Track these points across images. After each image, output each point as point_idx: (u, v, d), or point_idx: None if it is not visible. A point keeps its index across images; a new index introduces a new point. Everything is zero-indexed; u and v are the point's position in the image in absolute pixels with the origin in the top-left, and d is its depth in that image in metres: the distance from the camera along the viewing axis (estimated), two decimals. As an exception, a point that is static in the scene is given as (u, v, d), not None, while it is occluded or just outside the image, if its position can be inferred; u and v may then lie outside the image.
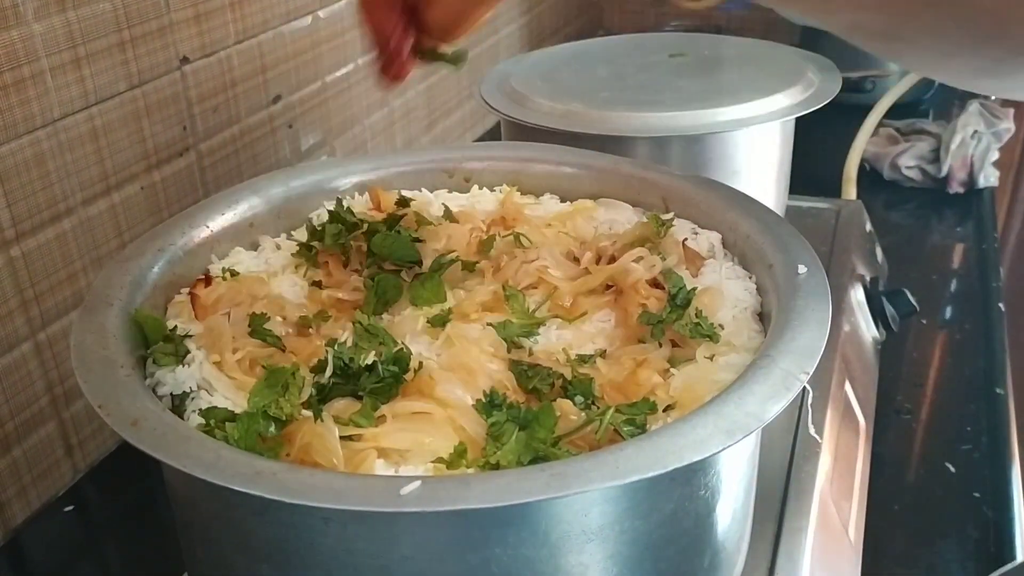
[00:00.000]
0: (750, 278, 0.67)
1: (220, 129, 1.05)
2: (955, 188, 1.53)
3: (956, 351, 1.20)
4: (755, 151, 1.02)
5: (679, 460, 0.47)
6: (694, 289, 0.64)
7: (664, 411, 0.56)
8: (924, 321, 1.22)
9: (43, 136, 0.83)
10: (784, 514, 0.78)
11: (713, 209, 0.73)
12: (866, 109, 1.53)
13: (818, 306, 0.58)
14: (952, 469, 0.99)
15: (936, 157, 1.55)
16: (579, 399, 0.56)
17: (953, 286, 1.35)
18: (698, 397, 0.56)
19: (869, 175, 1.55)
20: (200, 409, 0.56)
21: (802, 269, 0.61)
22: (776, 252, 0.65)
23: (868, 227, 1.24)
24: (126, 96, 0.91)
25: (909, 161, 1.56)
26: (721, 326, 0.63)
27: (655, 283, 0.66)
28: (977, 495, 0.96)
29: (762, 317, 0.65)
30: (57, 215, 0.85)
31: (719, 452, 0.48)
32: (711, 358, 0.59)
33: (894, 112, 1.58)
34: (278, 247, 0.75)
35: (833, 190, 1.44)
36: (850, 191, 1.44)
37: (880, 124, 1.55)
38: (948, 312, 1.28)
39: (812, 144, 1.19)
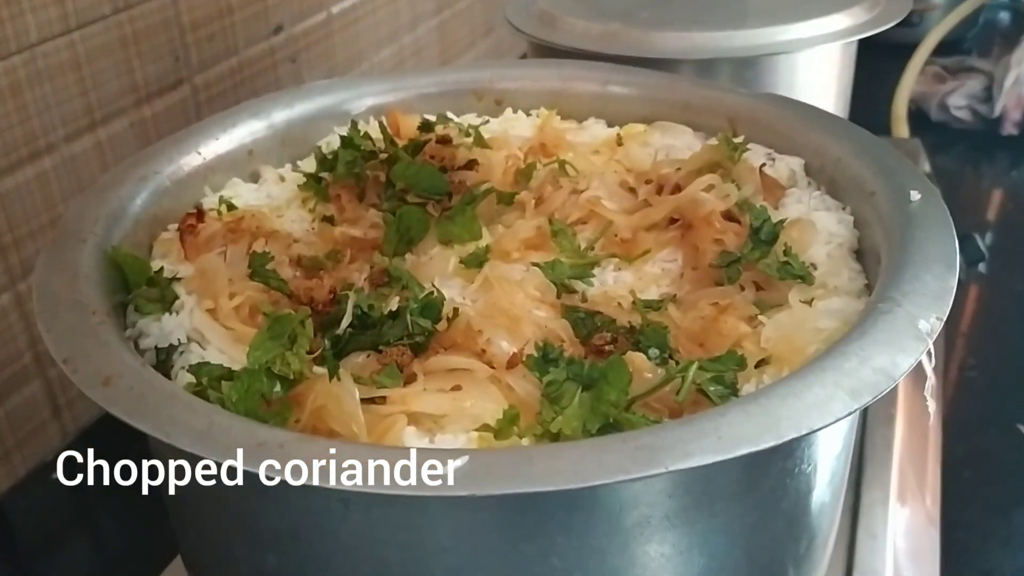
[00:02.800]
0: (844, 209, 0.60)
1: (216, 61, 1.00)
2: (1009, 129, 1.47)
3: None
4: (813, 77, 0.95)
5: (796, 429, 0.39)
6: (781, 222, 0.57)
7: (756, 367, 0.48)
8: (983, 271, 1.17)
9: (18, 63, 0.78)
10: (861, 484, 0.72)
11: (792, 131, 0.66)
12: (908, 47, 1.46)
13: (942, 239, 0.51)
14: (1024, 430, 0.95)
15: (988, 96, 1.49)
16: (653, 352, 0.49)
17: (1015, 234, 1.30)
18: (797, 349, 0.49)
19: (915, 116, 1.48)
20: (190, 365, 0.51)
21: (915, 196, 0.54)
22: (877, 177, 0.58)
23: (927, 167, 1.18)
24: (111, 20, 0.86)
25: (959, 101, 1.50)
26: (814, 265, 0.56)
27: (729, 216, 0.59)
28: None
29: (859, 255, 0.58)
30: (37, 152, 0.81)
31: (845, 418, 0.39)
32: (810, 302, 0.52)
33: (937, 50, 1.50)
34: (282, 179, 0.71)
35: (879, 131, 1.36)
36: (901, 130, 1.37)
37: (925, 62, 1.48)
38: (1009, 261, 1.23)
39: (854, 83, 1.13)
